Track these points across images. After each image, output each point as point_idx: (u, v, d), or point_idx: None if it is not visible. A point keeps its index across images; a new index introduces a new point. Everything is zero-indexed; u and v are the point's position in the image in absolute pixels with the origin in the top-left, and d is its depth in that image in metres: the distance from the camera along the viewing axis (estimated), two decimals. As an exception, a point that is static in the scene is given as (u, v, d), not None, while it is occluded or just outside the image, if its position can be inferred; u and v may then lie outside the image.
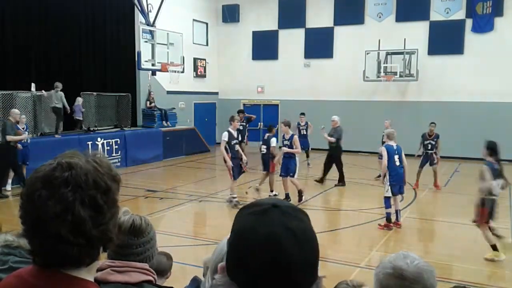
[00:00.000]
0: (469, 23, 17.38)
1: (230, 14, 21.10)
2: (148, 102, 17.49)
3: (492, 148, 7.29)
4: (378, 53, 17.99)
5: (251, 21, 21.03)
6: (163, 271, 3.68)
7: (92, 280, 1.16)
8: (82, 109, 14.68)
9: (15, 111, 11.21)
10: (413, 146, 18.09)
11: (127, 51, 16.83)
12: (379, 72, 17.88)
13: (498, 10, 16.87)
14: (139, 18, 15.86)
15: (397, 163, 8.67)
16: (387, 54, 18.05)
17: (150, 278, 1.70)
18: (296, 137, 10.52)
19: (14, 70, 13.87)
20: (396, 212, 8.68)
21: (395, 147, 8.89)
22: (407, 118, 18.48)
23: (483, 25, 17.12)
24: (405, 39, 17.53)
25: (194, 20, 20.16)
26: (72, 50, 15.60)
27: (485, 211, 7.13)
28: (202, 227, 9.36)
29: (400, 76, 17.55)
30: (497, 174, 7.12)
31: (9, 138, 10.53)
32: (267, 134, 11.03)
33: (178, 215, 10.22)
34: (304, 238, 0.93)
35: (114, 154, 14.38)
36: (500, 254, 6.96)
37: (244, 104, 21.55)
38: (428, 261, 1.77)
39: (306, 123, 15.48)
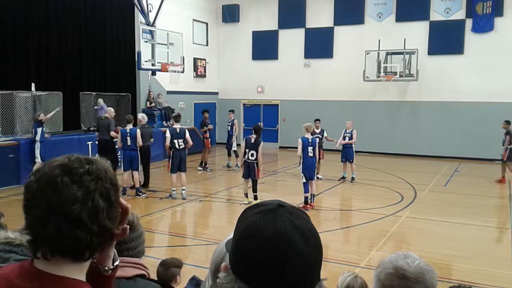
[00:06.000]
0: (469, 23, 17.37)
1: (230, 14, 21.10)
2: (148, 102, 17.51)
3: None
4: (378, 53, 17.98)
5: (251, 21, 21.04)
6: (171, 279, 3.78)
7: (84, 279, 1.16)
8: (106, 108, 14.83)
9: (111, 109, 12.65)
10: (413, 146, 18.22)
11: (127, 51, 16.84)
12: (379, 72, 17.87)
13: (498, 10, 16.86)
14: (139, 18, 15.85)
15: (310, 154, 9.88)
16: (387, 54, 18.05)
17: (143, 272, 1.73)
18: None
19: (14, 70, 13.87)
20: (312, 195, 10.04)
21: (310, 140, 9.99)
22: (407, 118, 18.51)
23: (483, 25, 17.12)
24: (405, 39, 17.53)
25: (194, 20, 20.16)
26: (72, 50, 15.60)
27: None
28: (202, 227, 9.36)
29: (400, 76, 17.54)
30: None
31: (113, 134, 11.72)
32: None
33: (178, 215, 10.24)
34: (311, 236, 0.95)
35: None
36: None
37: (244, 104, 21.57)
38: (428, 261, 1.77)
39: (233, 121, 15.38)
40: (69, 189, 1.08)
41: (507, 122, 13.33)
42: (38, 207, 1.09)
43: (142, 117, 12.38)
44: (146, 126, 12.20)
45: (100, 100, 15.37)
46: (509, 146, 12.94)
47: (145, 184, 11.99)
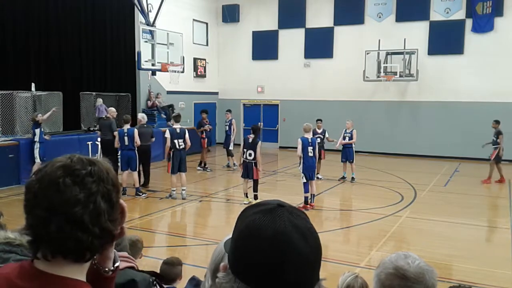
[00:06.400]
0: (469, 23, 17.37)
1: (230, 14, 21.10)
2: (148, 102, 17.51)
3: None
4: (378, 53, 17.98)
5: (251, 21, 21.04)
6: (171, 279, 3.79)
7: (84, 279, 1.16)
8: (102, 108, 14.84)
9: (113, 109, 12.82)
10: (413, 146, 18.21)
11: (127, 51, 16.84)
12: (379, 72, 17.86)
13: (498, 10, 16.86)
14: (139, 18, 15.85)
15: (310, 154, 9.89)
16: (387, 54, 18.04)
17: (132, 264, 1.78)
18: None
19: (14, 70, 13.87)
20: (312, 195, 10.03)
21: (309, 140, 9.97)
22: (407, 118, 18.51)
23: (483, 25, 17.12)
24: (405, 39, 17.53)
25: (194, 20, 20.16)
26: (72, 50, 15.60)
27: None
28: (202, 227, 9.36)
29: (400, 76, 17.54)
30: None
31: (116, 133, 11.60)
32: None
33: (178, 215, 10.24)
34: (310, 236, 0.96)
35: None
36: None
37: (244, 104, 21.57)
38: (428, 261, 1.77)
39: (230, 120, 15.31)
40: (71, 191, 1.08)
41: (497, 122, 13.36)
42: (40, 207, 1.08)
43: (142, 117, 12.39)
44: (145, 125, 12.20)
45: (99, 100, 15.34)
46: (500, 146, 12.99)
47: (145, 183, 12.01)
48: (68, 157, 1.15)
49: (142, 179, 11.97)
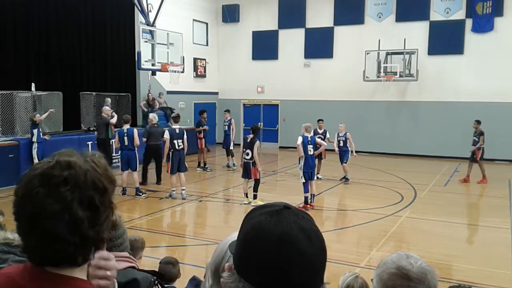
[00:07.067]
0: (469, 23, 17.37)
1: (230, 14, 21.09)
2: (145, 101, 17.48)
3: None
4: (378, 53, 17.98)
5: (251, 21, 21.04)
6: (172, 278, 3.81)
7: (85, 278, 1.16)
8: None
9: (106, 107, 12.87)
10: (413, 146, 18.21)
11: (127, 51, 16.84)
12: (379, 72, 17.86)
13: (498, 10, 16.86)
14: (139, 18, 15.85)
15: (310, 152, 9.87)
16: (387, 54, 18.04)
17: (133, 264, 1.80)
18: None
19: (14, 70, 13.87)
20: (312, 195, 10.01)
21: (309, 138, 10.01)
22: (407, 118, 18.51)
23: (483, 25, 17.12)
24: (405, 39, 17.52)
25: (194, 20, 20.16)
26: (72, 50, 15.61)
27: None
28: (202, 227, 9.36)
29: (400, 76, 17.53)
30: None
31: (113, 121, 11.99)
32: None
33: (178, 215, 10.24)
34: (316, 238, 0.96)
35: (114, 154, 14.34)
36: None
37: (244, 104, 21.57)
38: (428, 261, 1.77)
39: (229, 120, 15.30)
40: (45, 202, 1.04)
41: (478, 122, 13.32)
42: (21, 220, 1.09)
43: (153, 116, 12.39)
44: (156, 125, 12.21)
45: (108, 100, 15.10)
46: (482, 146, 12.99)
47: (158, 182, 12.37)
48: (50, 161, 1.10)
49: (154, 177, 12.41)
